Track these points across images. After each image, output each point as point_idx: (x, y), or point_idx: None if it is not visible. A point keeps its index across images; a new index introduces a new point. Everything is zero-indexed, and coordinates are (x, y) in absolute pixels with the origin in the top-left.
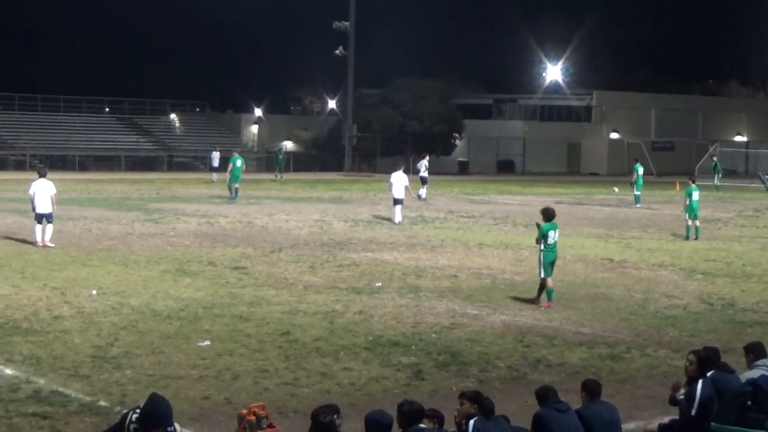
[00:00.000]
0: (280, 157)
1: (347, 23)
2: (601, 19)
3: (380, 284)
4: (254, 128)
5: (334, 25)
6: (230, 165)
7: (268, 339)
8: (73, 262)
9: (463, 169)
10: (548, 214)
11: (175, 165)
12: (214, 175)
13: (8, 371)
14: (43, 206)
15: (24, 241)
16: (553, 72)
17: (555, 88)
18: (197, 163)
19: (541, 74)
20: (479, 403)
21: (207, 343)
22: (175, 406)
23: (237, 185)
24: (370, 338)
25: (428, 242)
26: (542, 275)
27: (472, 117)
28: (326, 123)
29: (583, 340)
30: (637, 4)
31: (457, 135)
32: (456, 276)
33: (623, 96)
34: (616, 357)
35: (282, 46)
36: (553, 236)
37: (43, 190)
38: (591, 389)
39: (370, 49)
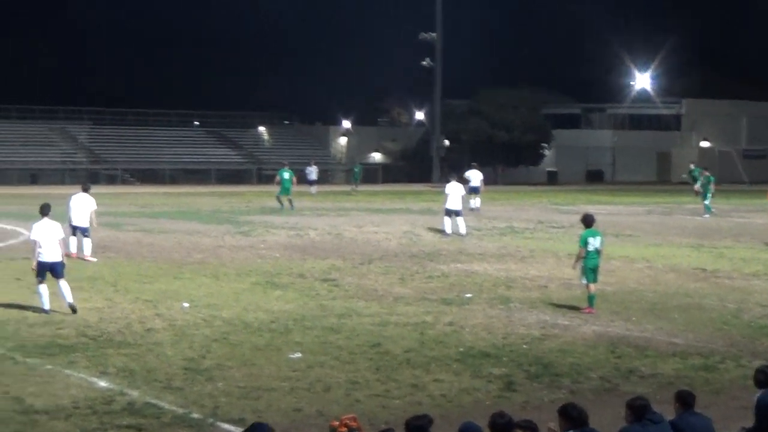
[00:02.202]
0: (356, 170)
1: (434, 34)
2: (690, 27)
3: (470, 295)
4: (342, 140)
5: (420, 36)
6: (278, 177)
7: (358, 351)
8: (164, 275)
9: (552, 179)
10: (588, 221)
11: (264, 178)
12: (313, 188)
13: (102, 383)
14: (80, 220)
15: (114, 256)
16: (642, 80)
17: (644, 96)
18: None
19: (630, 83)
20: (568, 416)
21: (298, 355)
22: (267, 419)
23: (290, 197)
24: (461, 349)
25: (518, 253)
26: (584, 281)
27: (560, 126)
28: (414, 134)
29: (676, 350)
30: (727, 11)
31: (545, 145)
32: (546, 286)
33: (713, 104)
34: (709, 367)
35: (369, 58)
36: (593, 243)
37: (82, 204)
38: (685, 400)
39: (457, 59)
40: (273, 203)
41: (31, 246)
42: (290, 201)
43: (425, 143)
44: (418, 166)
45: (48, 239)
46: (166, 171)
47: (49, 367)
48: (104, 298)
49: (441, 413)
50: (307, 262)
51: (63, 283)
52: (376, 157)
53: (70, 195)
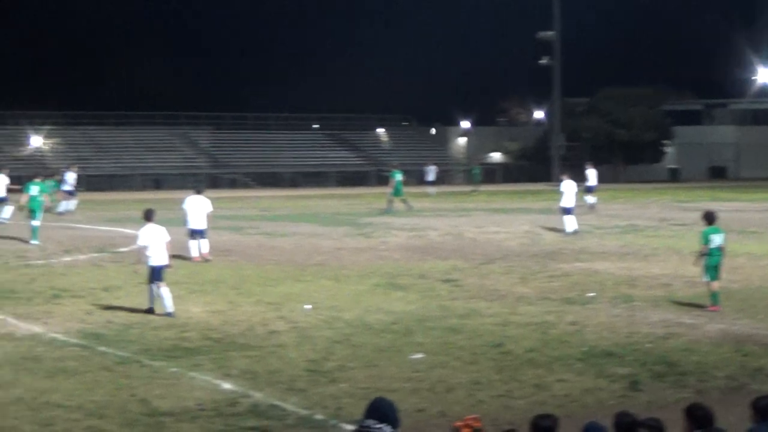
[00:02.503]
0: (476, 171)
1: (551, 33)
2: None
3: (593, 294)
4: (461, 141)
5: (538, 36)
6: (392, 180)
7: (480, 351)
8: (286, 278)
9: (674, 176)
10: (710, 218)
11: (383, 179)
12: (432, 189)
13: (226, 386)
14: (198, 223)
15: (236, 260)
16: (765, 74)
17: (767, 90)
18: (407, 178)
19: (752, 77)
20: (693, 417)
21: (420, 355)
22: None
23: (403, 197)
24: (584, 349)
25: (640, 251)
26: (706, 279)
27: (681, 123)
28: (533, 133)
29: None
30: None
31: (666, 142)
32: (669, 284)
33: None
34: None
35: (488, 58)
36: (715, 240)
37: (198, 207)
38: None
39: (577, 57)
40: (395, 205)
41: (139, 251)
42: (405, 201)
43: (545, 142)
44: (537, 166)
45: (156, 243)
46: (286, 174)
47: (174, 369)
48: (227, 301)
49: (564, 413)
50: (428, 262)
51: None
52: (496, 156)
53: (184, 198)
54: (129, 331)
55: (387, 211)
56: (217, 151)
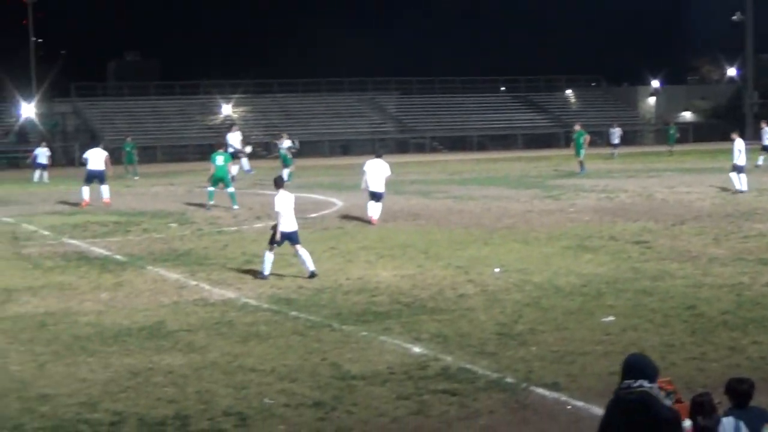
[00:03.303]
0: (671, 131)
1: None
2: None
3: None
4: (651, 100)
5: None
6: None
7: (673, 313)
8: (475, 241)
9: None
10: None
11: (571, 141)
12: (615, 151)
13: (416, 349)
14: (377, 186)
15: (422, 224)
16: None
17: None
18: (595, 138)
19: None
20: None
21: (611, 318)
22: (582, 382)
23: (580, 159)
24: None
25: None
26: None
27: None
28: (725, 91)
29: None
30: None
31: None
32: None
33: None
34: None
35: (677, 16)
36: None
37: (377, 171)
38: None
39: None
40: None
41: (276, 217)
42: (581, 163)
43: (737, 100)
44: (729, 124)
45: (288, 210)
46: (473, 138)
47: (365, 333)
48: (416, 265)
49: (761, 376)
50: (618, 224)
51: (302, 250)
52: (686, 116)
53: (366, 161)
54: (320, 296)
55: (581, 173)
56: (404, 116)
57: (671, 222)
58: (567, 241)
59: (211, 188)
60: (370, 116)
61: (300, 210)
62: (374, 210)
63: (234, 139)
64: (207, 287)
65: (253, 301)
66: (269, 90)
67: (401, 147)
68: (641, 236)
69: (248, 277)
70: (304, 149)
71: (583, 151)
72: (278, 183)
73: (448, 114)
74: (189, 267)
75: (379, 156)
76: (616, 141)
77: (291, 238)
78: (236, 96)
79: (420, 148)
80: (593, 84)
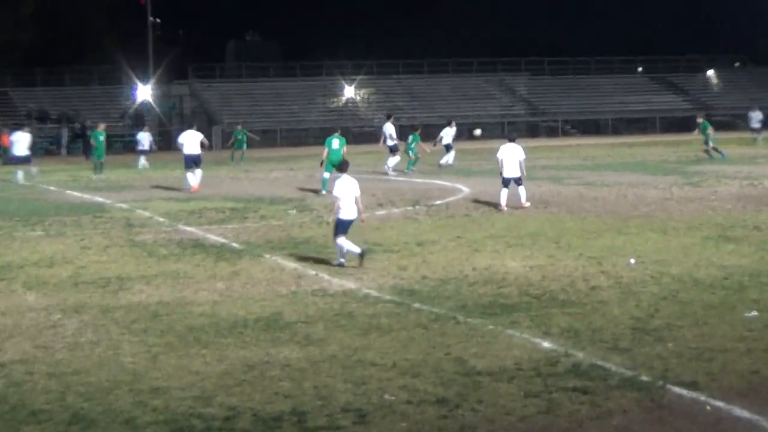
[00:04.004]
0: None
1: None
2: None
3: None
4: None
5: None
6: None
7: None
8: (608, 230)
9: None
10: None
11: (714, 124)
12: (760, 136)
13: (546, 344)
14: (511, 171)
15: (554, 213)
16: None
17: None
18: (738, 122)
19: None
20: None
21: (755, 313)
22: (723, 381)
23: (714, 146)
24: None
25: None
26: None
27: None
28: None
29: None
30: None
31: None
32: None
33: None
34: None
35: None
36: None
37: (511, 154)
38: None
39: None
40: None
41: (334, 203)
42: (716, 149)
43: None
44: None
45: (348, 196)
46: (608, 120)
47: (491, 327)
48: (546, 256)
49: None
50: (763, 213)
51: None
52: None
53: (500, 146)
54: (444, 287)
55: (722, 158)
56: (535, 97)
57: None
58: (708, 230)
59: (327, 174)
60: (499, 98)
61: (425, 197)
62: (504, 197)
63: (391, 129)
64: (326, 277)
65: (374, 292)
66: (394, 71)
67: (531, 131)
68: None
69: (369, 267)
70: (429, 132)
71: (711, 142)
72: (342, 167)
73: (581, 96)
74: (307, 256)
75: (512, 139)
76: (757, 125)
77: (345, 226)
78: (359, 77)
79: (551, 132)
80: (737, 64)
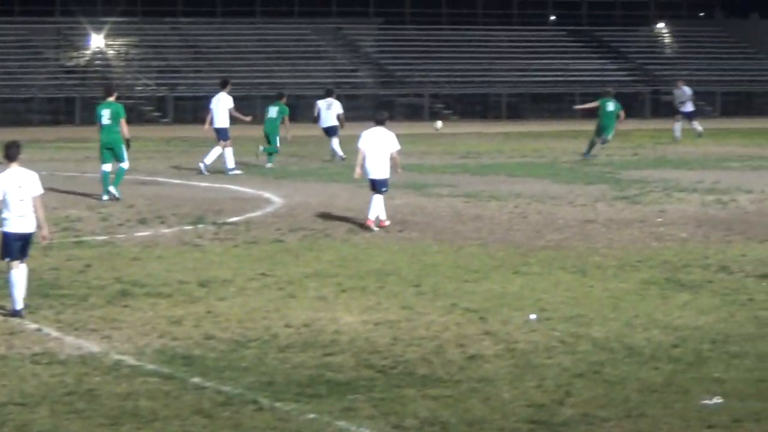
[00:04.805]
0: None
1: None
2: None
3: None
4: None
5: None
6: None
7: None
8: (498, 268)
9: None
10: None
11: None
12: (695, 124)
13: None
14: (379, 169)
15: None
16: None
17: None
18: (700, 102)
19: None
20: None
21: (718, 400)
22: None
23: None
24: None
25: None
26: None
27: None
28: None
29: None
30: None
31: None
32: None
33: None
34: None
35: None
36: None
37: (379, 146)
38: None
39: None
40: (682, 149)
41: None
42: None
43: None
44: None
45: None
46: (501, 97)
47: (312, 416)
48: (400, 306)
49: None
50: (734, 245)
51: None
52: None
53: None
54: (240, 353)
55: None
56: (388, 58)
57: None
58: (650, 271)
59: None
60: (334, 58)
61: (213, 210)
62: (376, 207)
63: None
64: (54, 333)
65: (130, 359)
66: (169, 12)
67: (383, 108)
68: None
69: (123, 319)
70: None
71: (609, 133)
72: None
73: (461, 59)
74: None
75: (380, 122)
76: (689, 108)
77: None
78: (112, 21)
79: (414, 113)
80: (701, 14)
